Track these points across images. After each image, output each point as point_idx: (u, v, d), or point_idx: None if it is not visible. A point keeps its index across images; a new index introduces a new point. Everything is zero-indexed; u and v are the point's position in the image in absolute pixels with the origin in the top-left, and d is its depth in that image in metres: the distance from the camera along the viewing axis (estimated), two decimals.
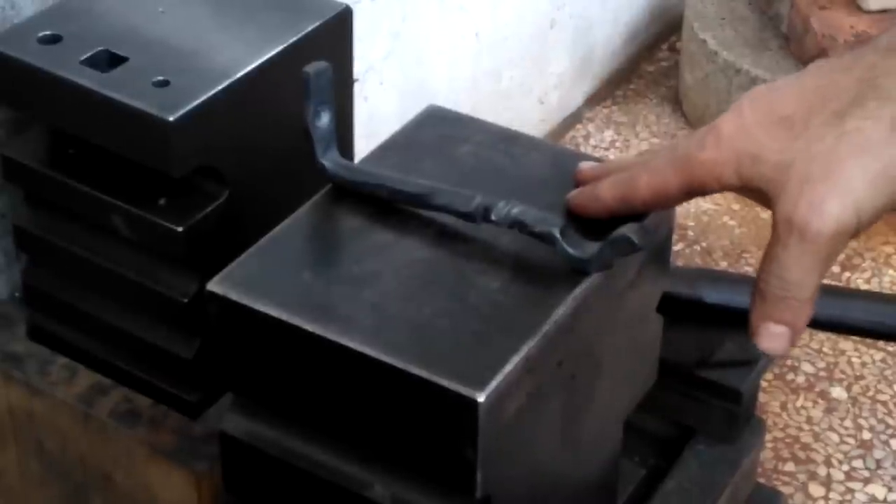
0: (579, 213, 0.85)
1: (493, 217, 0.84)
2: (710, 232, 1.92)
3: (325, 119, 0.89)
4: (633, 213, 0.83)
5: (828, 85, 0.75)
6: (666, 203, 0.81)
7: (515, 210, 0.83)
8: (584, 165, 0.88)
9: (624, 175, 0.82)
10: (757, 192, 0.76)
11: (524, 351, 0.79)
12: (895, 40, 0.75)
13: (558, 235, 0.82)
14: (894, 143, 0.71)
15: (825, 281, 0.81)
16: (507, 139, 0.96)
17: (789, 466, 1.58)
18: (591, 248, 0.82)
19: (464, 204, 0.85)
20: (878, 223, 1.91)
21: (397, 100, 1.68)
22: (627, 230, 0.79)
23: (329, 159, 0.90)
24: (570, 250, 0.82)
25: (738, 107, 0.77)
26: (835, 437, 1.61)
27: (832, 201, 0.72)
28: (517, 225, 0.83)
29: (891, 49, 0.75)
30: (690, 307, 1.10)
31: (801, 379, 1.69)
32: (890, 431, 1.62)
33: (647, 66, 2.33)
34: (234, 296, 0.83)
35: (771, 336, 0.78)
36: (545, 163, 0.94)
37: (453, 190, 0.86)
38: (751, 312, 0.78)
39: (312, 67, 0.88)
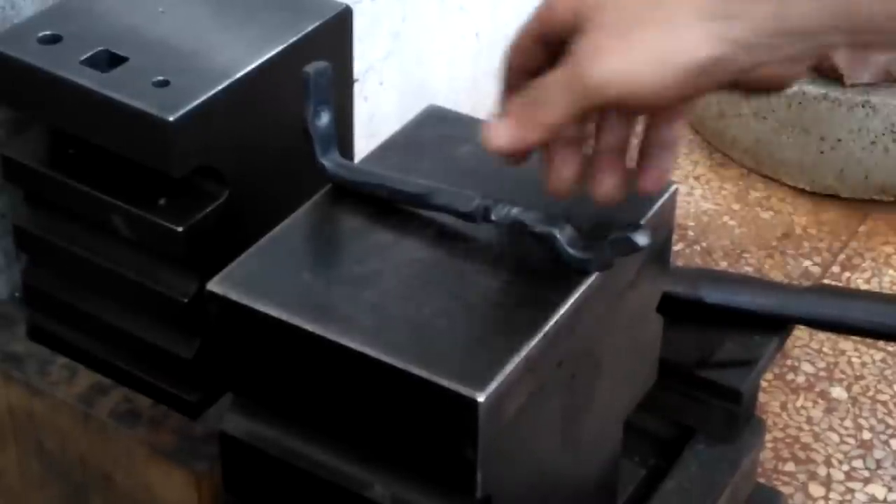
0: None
1: (492, 217, 0.84)
2: (710, 232, 1.92)
3: (325, 119, 0.89)
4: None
5: None
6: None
7: (515, 211, 0.83)
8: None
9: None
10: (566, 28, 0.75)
11: (524, 351, 0.79)
12: None
13: (558, 236, 0.82)
14: (696, 32, 0.69)
15: (826, 281, 0.80)
16: None
17: (789, 466, 1.57)
18: (591, 248, 0.82)
19: (464, 204, 0.85)
20: (878, 223, 1.91)
21: (397, 100, 1.68)
22: (628, 230, 0.79)
23: (329, 159, 0.90)
24: (571, 251, 0.82)
25: None
26: (835, 437, 1.61)
27: (613, 58, 0.71)
28: (517, 225, 0.83)
29: None
30: (690, 307, 1.11)
31: (801, 379, 1.69)
32: (890, 431, 1.62)
33: None
34: (234, 296, 0.83)
35: (496, 128, 0.76)
36: None
37: (453, 190, 0.86)
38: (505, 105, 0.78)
39: (312, 67, 0.87)
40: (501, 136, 0.77)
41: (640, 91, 0.71)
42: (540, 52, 0.78)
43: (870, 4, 0.67)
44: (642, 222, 0.84)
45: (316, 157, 0.90)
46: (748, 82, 0.74)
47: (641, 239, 0.79)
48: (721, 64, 0.70)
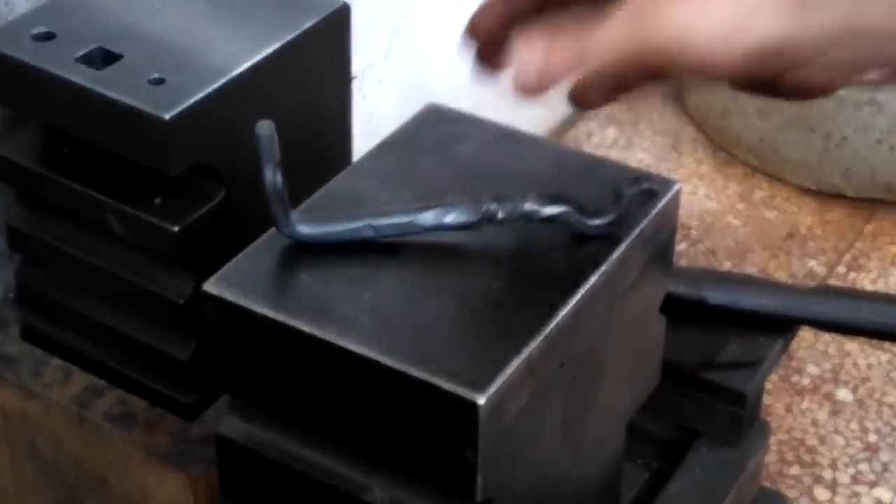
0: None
1: (500, 216, 0.84)
2: (714, 232, 1.92)
3: (280, 178, 0.82)
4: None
5: None
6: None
7: (522, 204, 0.83)
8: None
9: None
10: None
11: (525, 352, 0.78)
12: None
13: (573, 211, 0.82)
14: (774, 7, 0.65)
15: (831, 281, 0.80)
16: (508, 138, 0.96)
17: (794, 469, 1.57)
18: (609, 213, 0.83)
19: (465, 215, 0.84)
20: (883, 223, 1.91)
21: (397, 98, 1.67)
22: (636, 183, 0.82)
23: (297, 222, 0.84)
24: (590, 221, 0.83)
25: None
26: (840, 440, 1.60)
27: (690, 13, 0.65)
28: (526, 216, 0.83)
29: None
30: (694, 308, 1.10)
31: (806, 381, 1.68)
32: None
33: None
34: (230, 296, 0.82)
35: (528, 60, 0.71)
36: (546, 161, 0.93)
37: (448, 203, 0.85)
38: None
39: (264, 127, 0.81)
40: (532, 69, 0.70)
41: (706, 56, 0.66)
42: None
43: None
44: (639, 177, 0.85)
45: (287, 221, 0.84)
46: (793, 81, 0.69)
47: (654, 185, 0.82)
48: (788, 48, 0.65)
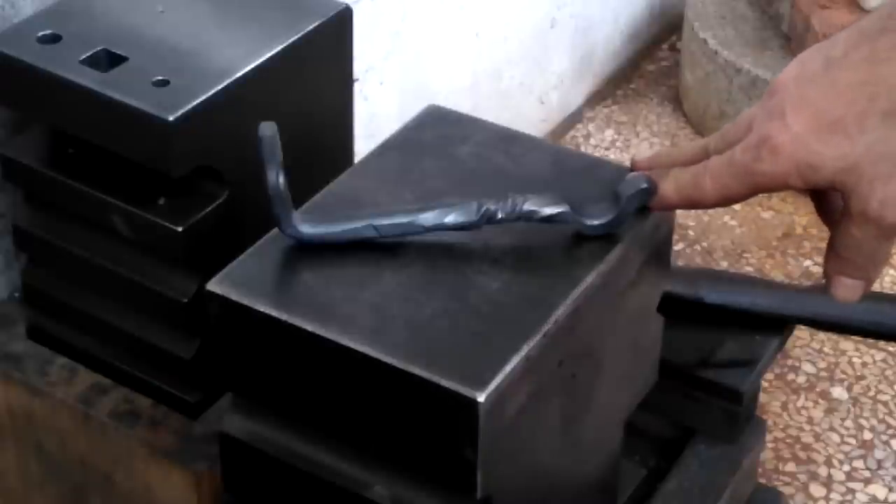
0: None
1: (499, 216, 0.84)
2: (711, 232, 1.92)
3: (282, 179, 0.84)
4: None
5: (867, 80, 0.76)
6: (730, 203, 0.84)
7: (521, 204, 0.84)
8: (638, 159, 0.90)
9: (687, 177, 0.84)
10: (824, 191, 0.81)
11: (524, 351, 0.78)
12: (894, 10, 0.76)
13: (572, 211, 0.83)
14: None
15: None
16: (508, 139, 0.96)
17: (790, 467, 1.57)
18: (608, 212, 0.84)
19: (464, 215, 0.85)
20: None
21: (397, 99, 1.67)
22: (634, 183, 0.83)
23: (300, 222, 0.85)
24: (589, 221, 0.84)
25: (779, 111, 0.78)
26: (836, 438, 1.61)
27: None
28: (526, 216, 0.84)
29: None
30: (691, 307, 1.10)
31: (801, 379, 1.69)
32: (891, 432, 1.62)
33: (648, 66, 2.33)
34: (233, 296, 0.83)
35: (845, 287, 0.82)
36: (545, 162, 0.93)
37: (448, 204, 0.85)
38: (825, 265, 0.83)
39: (266, 128, 0.82)
40: (852, 296, 0.83)
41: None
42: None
43: None
44: (632, 173, 0.87)
45: (289, 222, 0.85)
46: None
47: (649, 185, 0.84)
48: None
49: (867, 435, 1.61)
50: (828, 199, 0.83)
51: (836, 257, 0.81)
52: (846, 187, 0.77)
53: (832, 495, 1.54)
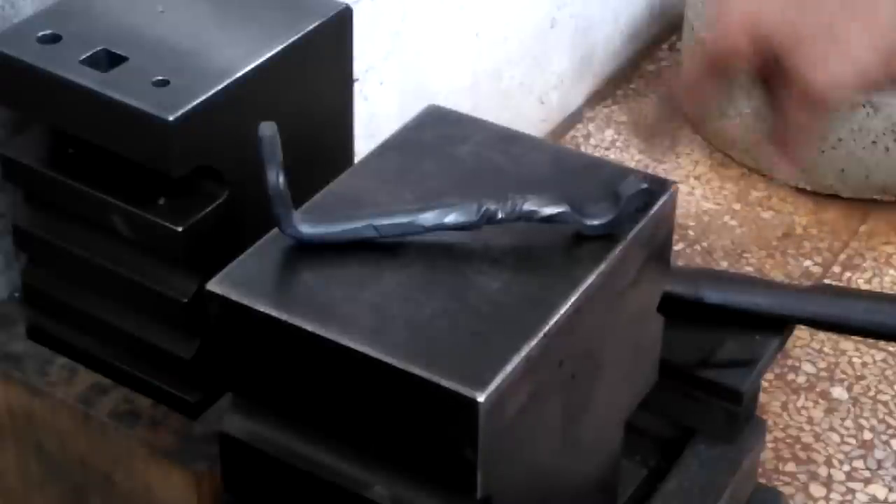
0: None
1: (499, 216, 0.84)
2: (711, 232, 1.92)
3: (282, 179, 0.84)
4: None
5: None
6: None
7: (521, 204, 0.84)
8: None
9: None
10: (769, 59, 0.79)
11: (525, 351, 0.79)
12: None
13: (572, 211, 0.83)
14: None
15: (827, 281, 0.82)
16: (507, 139, 0.96)
17: (790, 467, 1.57)
18: (608, 212, 0.84)
19: (465, 215, 0.85)
20: (878, 223, 1.91)
21: (397, 99, 1.67)
22: (634, 183, 0.83)
23: (300, 222, 0.85)
24: (589, 221, 0.84)
25: None
26: (836, 438, 1.61)
27: (836, 64, 0.76)
28: (527, 216, 0.84)
29: None
30: (691, 307, 1.10)
31: (801, 379, 1.68)
32: (891, 431, 1.62)
33: (648, 66, 2.33)
34: (233, 296, 0.83)
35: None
36: (545, 162, 0.94)
37: (448, 204, 0.85)
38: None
39: (267, 128, 0.83)
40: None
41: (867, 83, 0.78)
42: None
43: None
44: (635, 177, 0.87)
45: (289, 222, 0.85)
46: None
47: (652, 186, 0.85)
48: None
49: (867, 435, 1.61)
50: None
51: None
52: (786, 49, 0.77)
53: (832, 495, 1.54)
